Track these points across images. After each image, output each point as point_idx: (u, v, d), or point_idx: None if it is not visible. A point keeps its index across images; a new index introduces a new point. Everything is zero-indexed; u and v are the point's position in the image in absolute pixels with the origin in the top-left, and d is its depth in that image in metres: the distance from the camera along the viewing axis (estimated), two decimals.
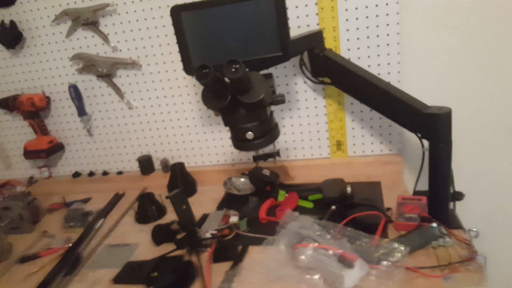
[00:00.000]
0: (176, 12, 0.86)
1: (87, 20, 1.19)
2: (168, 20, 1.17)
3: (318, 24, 1.10)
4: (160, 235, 1.01)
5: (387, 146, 1.20)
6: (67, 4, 1.21)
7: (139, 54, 1.23)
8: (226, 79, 0.79)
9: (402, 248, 0.78)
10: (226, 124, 0.88)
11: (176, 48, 1.18)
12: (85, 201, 1.32)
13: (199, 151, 1.33)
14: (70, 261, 0.96)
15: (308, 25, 1.10)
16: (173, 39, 1.19)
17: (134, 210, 1.15)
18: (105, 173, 1.40)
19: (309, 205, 1.07)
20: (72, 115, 1.35)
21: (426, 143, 0.91)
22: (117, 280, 0.87)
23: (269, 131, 0.88)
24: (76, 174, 1.42)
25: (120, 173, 1.39)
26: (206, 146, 1.32)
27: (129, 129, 1.34)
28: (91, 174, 1.41)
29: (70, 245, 1.03)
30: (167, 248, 0.97)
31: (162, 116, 1.31)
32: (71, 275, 0.93)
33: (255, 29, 0.85)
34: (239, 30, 0.86)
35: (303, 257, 0.78)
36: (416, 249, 0.82)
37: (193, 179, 1.28)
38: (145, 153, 1.37)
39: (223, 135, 1.29)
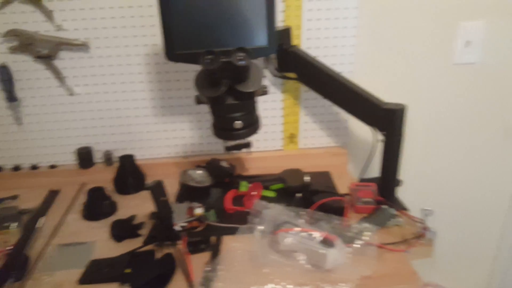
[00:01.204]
0: None
1: None
2: (125, 2, 1.10)
3: (282, 21, 1.14)
4: (120, 231, 0.95)
5: (334, 139, 1.30)
6: None
7: (88, 35, 1.13)
8: None
9: (372, 227, 0.87)
10: (213, 113, 0.87)
11: (131, 32, 1.13)
12: (12, 199, 1.16)
13: (148, 143, 1.27)
14: (18, 265, 0.85)
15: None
16: (129, 22, 1.12)
17: (82, 206, 1.06)
18: (34, 167, 1.25)
19: (272, 194, 1.10)
20: None
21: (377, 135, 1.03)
22: (84, 280, 0.80)
23: (255, 122, 0.90)
24: None
25: (53, 166, 1.25)
26: (157, 137, 1.27)
27: (67, 118, 1.22)
28: (16, 168, 1.24)
29: (12, 247, 0.91)
30: (129, 243, 0.92)
31: (108, 105, 1.22)
32: (22, 280, 0.82)
33: (244, 19, 0.85)
34: (227, 18, 0.85)
35: (288, 240, 0.82)
36: (378, 228, 0.92)
37: (143, 173, 1.22)
38: (83, 144, 1.26)
39: (176, 126, 1.25)
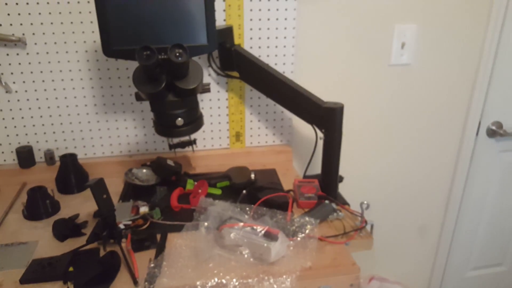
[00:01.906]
0: None
1: None
2: None
3: (224, 20, 1.16)
4: (63, 230, 0.93)
5: (279, 137, 1.34)
6: None
7: (25, 31, 1.08)
8: None
9: (313, 221, 0.91)
10: (153, 109, 0.87)
11: (70, 28, 1.10)
12: None
13: (90, 141, 1.24)
14: None
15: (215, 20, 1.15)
16: (67, 18, 1.09)
17: (22, 205, 1.02)
18: None
19: (218, 192, 1.12)
20: None
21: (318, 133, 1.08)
22: (24, 280, 0.77)
23: (197, 119, 0.91)
24: None
25: None
26: (99, 136, 1.24)
27: (5, 116, 1.17)
28: None
29: None
30: (72, 243, 0.90)
31: (48, 102, 1.18)
32: None
33: (182, 17, 0.86)
34: (166, 15, 0.86)
35: (232, 235, 0.84)
36: (319, 222, 0.97)
37: (85, 172, 1.20)
38: (23, 143, 1.21)
39: (119, 124, 1.24)
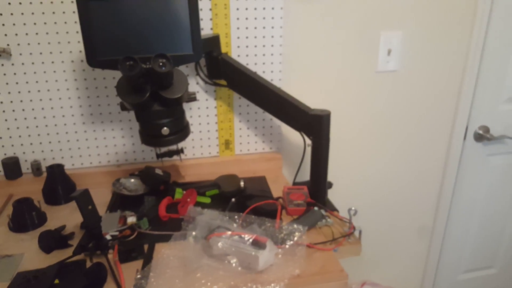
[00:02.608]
0: (84, 0, 0.81)
1: None
2: (48, 7, 1.06)
3: (211, 29, 1.16)
4: (49, 242, 0.91)
5: (268, 145, 1.34)
6: None
7: (9, 41, 1.08)
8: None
9: (301, 228, 0.91)
10: (139, 119, 0.86)
11: (55, 38, 1.10)
12: None
13: (77, 151, 1.23)
14: None
15: (202, 29, 1.16)
16: (52, 28, 1.08)
17: (8, 218, 1.00)
18: None
19: (207, 200, 1.11)
20: None
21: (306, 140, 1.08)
22: None
23: (183, 128, 0.90)
24: None
25: None
26: (87, 146, 1.23)
27: None
28: None
29: None
30: (59, 254, 0.89)
31: (34, 113, 1.17)
32: None
33: (167, 26, 0.86)
34: (150, 25, 0.86)
35: (219, 244, 0.83)
36: (308, 229, 0.97)
37: (73, 183, 1.18)
38: (9, 154, 1.19)
39: (106, 134, 1.23)
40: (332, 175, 1.14)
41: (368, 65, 1.35)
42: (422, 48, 1.38)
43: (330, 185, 1.21)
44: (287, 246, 0.88)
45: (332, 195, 1.16)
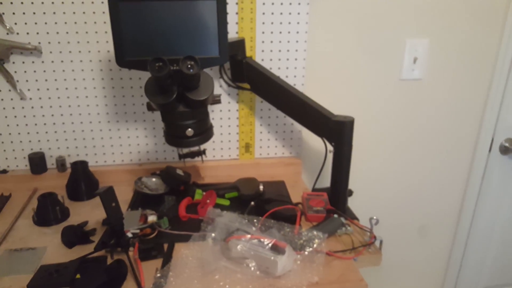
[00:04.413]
0: (115, 1, 0.83)
1: None
2: (79, 8, 1.09)
3: (237, 33, 1.17)
4: (72, 237, 0.93)
5: (288, 149, 1.34)
6: None
7: (41, 40, 1.11)
8: None
9: (321, 235, 0.90)
10: (164, 120, 0.88)
11: (85, 37, 1.12)
12: None
13: (101, 149, 1.26)
14: None
15: (228, 32, 1.16)
16: (82, 28, 1.11)
17: (33, 211, 1.03)
18: None
19: (226, 202, 1.12)
20: None
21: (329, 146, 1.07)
22: (31, 286, 0.78)
23: (207, 130, 0.91)
24: None
25: (4, 171, 1.21)
26: (110, 144, 1.25)
27: (19, 122, 1.19)
28: None
29: None
30: (80, 250, 0.90)
31: (61, 110, 1.19)
32: None
33: (195, 29, 0.88)
34: (178, 27, 0.87)
35: (239, 247, 0.83)
36: (328, 237, 0.96)
37: (96, 179, 1.21)
38: (35, 150, 1.23)
39: (130, 133, 1.25)
40: (352, 182, 1.13)
41: (393, 72, 1.34)
42: (448, 57, 1.35)
43: (350, 192, 1.19)
44: (306, 252, 0.87)
45: (351, 203, 1.15)
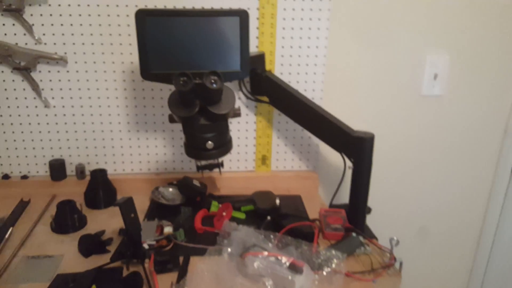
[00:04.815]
0: (142, 15, 0.84)
1: (9, 6, 1.06)
2: (105, 20, 1.11)
3: (257, 47, 1.18)
4: (89, 246, 0.94)
5: (305, 163, 1.33)
6: None
7: (67, 50, 1.13)
8: None
9: (340, 255, 0.89)
10: (185, 132, 0.88)
11: (109, 49, 1.14)
12: None
13: (120, 158, 1.27)
14: None
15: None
16: (107, 39, 1.13)
17: (51, 217, 1.05)
18: (5, 177, 1.23)
19: (242, 215, 1.12)
20: None
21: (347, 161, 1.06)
22: None
23: (226, 143, 0.92)
24: None
25: (25, 177, 1.24)
26: (129, 153, 1.27)
27: (42, 129, 1.21)
28: None
29: None
30: (96, 259, 0.91)
31: (83, 118, 1.21)
32: None
33: (218, 44, 0.89)
34: (202, 42, 0.88)
35: (255, 264, 0.83)
36: (346, 256, 0.94)
37: (114, 188, 1.22)
38: (56, 156, 1.25)
39: (149, 142, 1.26)
40: (370, 199, 1.12)
41: (413, 88, 1.32)
42: (469, 73, 1.33)
43: (368, 210, 1.18)
44: (324, 273, 0.85)
45: (369, 221, 1.13)
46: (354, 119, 1.29)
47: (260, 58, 1.12)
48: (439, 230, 1.56)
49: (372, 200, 1.34)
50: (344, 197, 1.14)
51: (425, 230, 1.55)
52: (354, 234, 0.99)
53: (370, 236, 1.04)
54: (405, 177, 1.45)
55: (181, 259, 0.92)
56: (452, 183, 1.48)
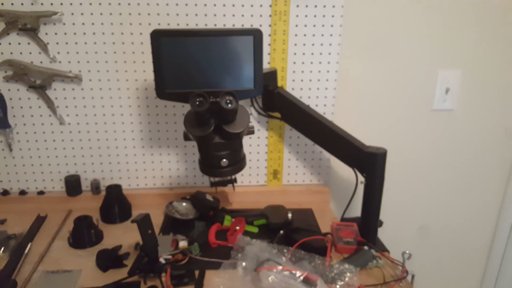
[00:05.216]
0: (157, 36, 0.87)
1: (25, 26, 1.09)
2: (119, 38, 1.15)
3: (269, 63, 1.20)
4: (106, 261, 0.96)
5: (316, 177, 1.34)
6: (2, 4, 1.09)
7: (81, 68, 1.17)
8: None
9: (353, 269, 0.90)
10: (200, 150, 0.90)
11: (123, 67, 1.17)
12: (0, 223, 1.16)
13: (134, 173, 1.29)
14: None
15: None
16: (121, 57, 1.16)
17: (69, 233, 1.07)
18: (22, 193, 1.25)
19: (255, 230, 1.13)
20: None
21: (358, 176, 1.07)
22: None
23: (240, 160, 0.94)
24: None
25: (41, 193, 1.26)
26: (143, 168, 1.29)
27: (57, 146, 1.24)
28: (5, 193, 1.25)
29: (0, 271, 0.91)
30: (114, 274, 0.93)
31: (98, 135, 1.24)
32: None
33: (231, 63, 0.91)
34: (216, 61, 0.91)
35: (270, 279, 0.84)
36: (358, 270, 0.95)
37: (129, 203, 1.24)
38: (71, 172, 1.27)
39: (163, 158, 1.28)
40: (381, 212, 1.12)
41: (424, 102, 1.33)
42: (481, 88, 1.34)
43: (380, 223, 1.18)
44: (337, 286, 0.86)
45: (380, 234, 1.14)
46: (366, 134, 1.31)
47: (272, 74, 1.14)
48: (451, 244, 1.55)
49: (384, 214, 1.35)
50: (355, 210, 1.15)
51: (434, 244, 1.54)
52: (366, 248, 1.00)
53: (381, 249, 1.04)
54: (416, 191, 1.45)
55: (196, 273, 0.93)
56: (464, 197, 1.48)
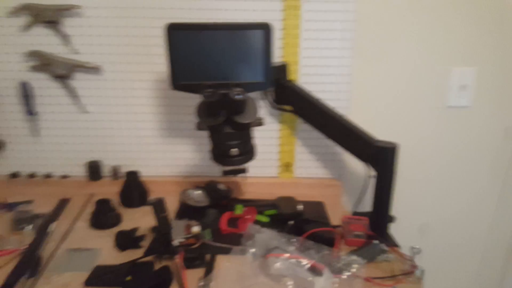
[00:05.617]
0: (171, 29, 0.91)
1: (48, 18, 1.15)
2: (138, 32, 1.19)
3: (281, 57, 1.22)
4: (124, 241, 1.02)
5: (328, 170, 1.37)
6: None
7: (103, 59, 1.22)
8: None
9: (360, 260, 0.92)
10: (211, 139, 0.95)
11: (143, 59, 1.22)
12: (28, 203, 1.23)
13: (152, 161, 1.35)
14: (32, 263, 0.93)
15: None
16: (139, 50, 1.21)
17: (90, 215, 1.13)
18: (47, 176, 1.33)
19: (265, 219, 1.16)
20: (19, 113, 1.27)
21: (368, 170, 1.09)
22: (88, 283, 0.87)
23: (250, 150, 0.98)
24: (14, 175, 1.31)
25: (65, 177, 1.33)
26: (160, 157, 1.34)
27: (80, 133, 1.30)
28: (31, 175, 1.32)
29: (27, 246, 0.99)
30: (131, 253, 0.99)
31: (118, 124, 1.30)
32: (35, 277, 0.89)
33: (243, 56, 0.95)
34: (227, 55, 0.94)
35: (277, 265, 0.88)
36: (367, 262, 0.95)
37: (146, 189, 1.29)
38: (93, 158, 1.34)
39: (179, 147, 1.33)
40: (394, 208, 1.14)
41: (439, 99, 1.34)
42: (496, 85, 1.33)
43: (392, 219, 1.19)
44: (344, 276, 0.89)
45: (393, 229, 1.15)
46: (379, 129, 1.32)
47: (284, 68, 1.17)
48: (465, 241, 1.56)
49: (396, 208, 1.36)
50: (366, 204, 1.17)
51: (447, 243, 1.55)
52: (375, 241, 1.02)
53: (392, 244, 1.05)
54: (430, 188, 1.46)
55: (207, 256, 0.98)
56: (479, 195, 1.48)
